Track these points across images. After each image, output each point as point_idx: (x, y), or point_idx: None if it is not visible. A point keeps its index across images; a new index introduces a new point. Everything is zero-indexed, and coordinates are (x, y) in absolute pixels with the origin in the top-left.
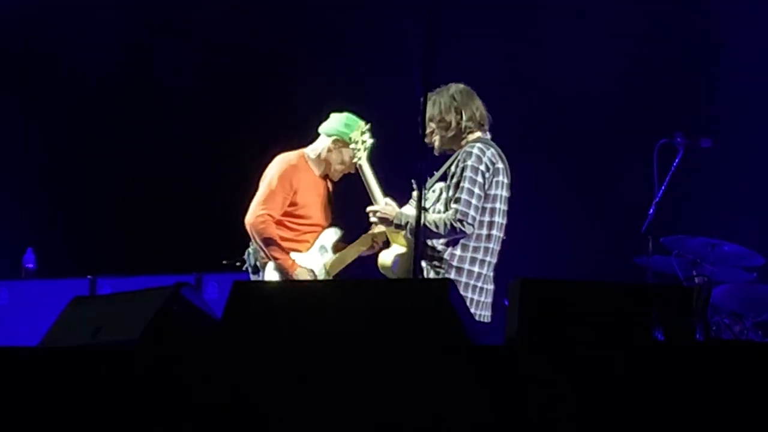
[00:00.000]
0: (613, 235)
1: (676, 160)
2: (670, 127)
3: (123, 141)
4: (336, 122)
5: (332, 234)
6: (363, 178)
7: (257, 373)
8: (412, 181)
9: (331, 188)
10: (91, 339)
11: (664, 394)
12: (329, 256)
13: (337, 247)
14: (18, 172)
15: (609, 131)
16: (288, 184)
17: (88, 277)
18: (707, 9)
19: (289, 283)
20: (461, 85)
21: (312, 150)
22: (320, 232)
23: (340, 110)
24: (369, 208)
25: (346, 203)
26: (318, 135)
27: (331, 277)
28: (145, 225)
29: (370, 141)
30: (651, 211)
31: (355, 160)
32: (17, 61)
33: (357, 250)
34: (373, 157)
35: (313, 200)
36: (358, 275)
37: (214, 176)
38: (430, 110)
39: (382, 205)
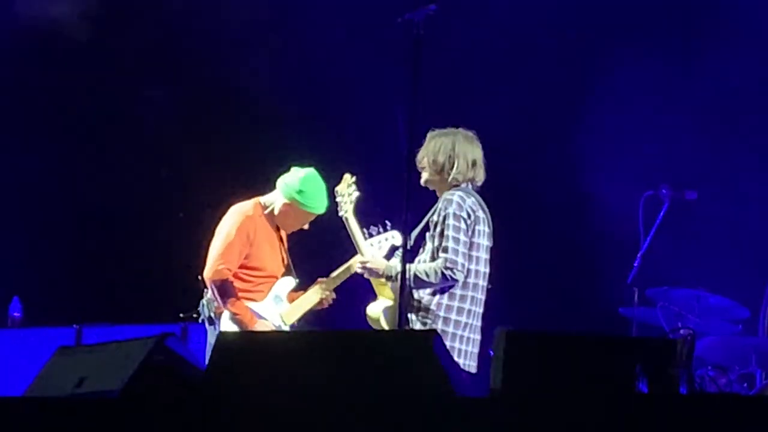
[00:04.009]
0: (599, 286)
1: (662, 212)
2: (655, 179)
3: (109, 189)
4: (292, 184)
5: (287, 283)
6: (349, 230)
7: (242, 425)
8: (386, 221)
9: (285, 237)
10: (76, 389)
11: None
12: (285, 306)
13: (292, 297)
14: (3, 220)
15: (595, 182)
16: (245, 236)
17: (74, 326)
18: (698, 63)
19: (273, 334)
20: (469, 133)
21: (266, 201)
22: (274, 282)
23: (302, 164)
24: (358, 260)
25: (300, 252)
26: (275, 186)
27: (287, 326)
28: (131, 274)
29: (356, 194)
30: (636, 262)
31: (341, 213)
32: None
33: (312, 299)
34: (357, 206)
35: (267, 251)
36: (346, 327)
37: (201, 225)
38: (430, 147)
39: (369, 257)
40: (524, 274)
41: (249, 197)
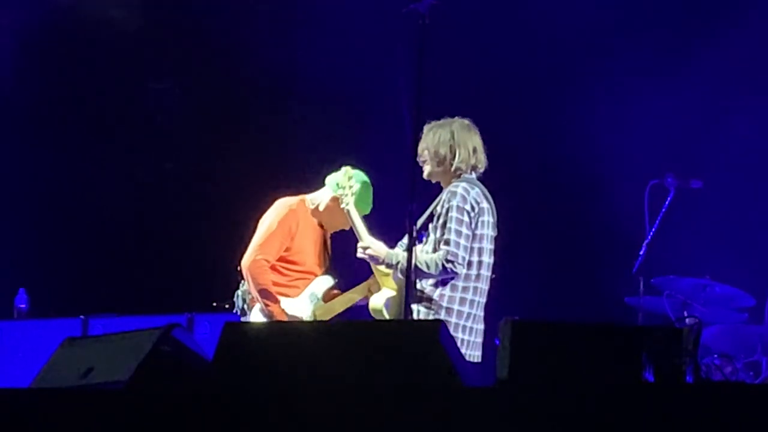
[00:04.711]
0: (605, 275)
1: (667, 201)
2: (661, 168)
3: (116, 182)
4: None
5: (324, 282)
6: (351, 222)
7: (248, 415)
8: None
9: (328, 237)
10: (82, 380)
11: None
12: (319, 304)
13: (328, 296)
14: (10, 213)
15: (600, 172)
16: (287, 229)
17: (80, 317)
18: (700, 51)
19: (280, 324)
20: (466, 122)
21: (313, 199)
22: (312, 279)
23: (353, 165)
24: (360, 245)
25: (343, 253)
26: (324, 184)
27: None
28: (137, 265)
29: (356, 186)
30: (642, 251)
31: (342, 205)
32: (9, 100)
33: (350, 299)
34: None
35: (308, 247)
36: (348, 317)
37: (207, 217)
38: (429, 140)
39: (378, 247)
40: (530, 263)
41: (255, 190)
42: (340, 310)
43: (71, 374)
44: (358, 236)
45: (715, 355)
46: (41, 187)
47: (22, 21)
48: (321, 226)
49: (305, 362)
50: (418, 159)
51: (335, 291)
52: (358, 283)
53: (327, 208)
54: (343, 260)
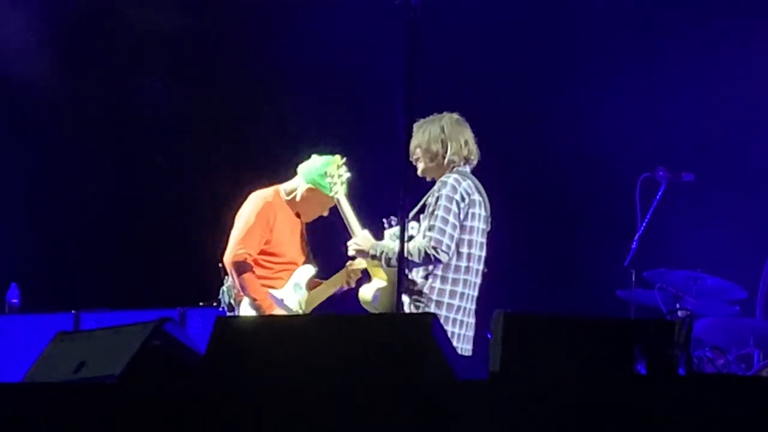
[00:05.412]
0: (597, 268)
1: (659, 194)
2: (652, 161)
3: (108, 177)
4: (315, 168)
5: (306, 271)
6: (341, 211)
7: (240, 409)
8: (391, 218)
9: (304, 225)
10: (74, 375)
11: (647, 428)
12: (303, 294)
13: (311, 284)
14: (1, 208)
15: (592, 165)
16: (265, 221)
17: (72, 312)
18: (689, 44)
19: (272, 318)
20: (455, 116)
21: (287, 189)
22: (294, 270)
23: (322, 152)
24: (349, 243)
25: (321, 240)
26: (296, 173)
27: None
28: (129, 260)
29: (346, 175)
30: (634, 244)
31: (331, 194)
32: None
33: (331, 287)
34: (357, 190)
35: (287, 237)
36: (339, 309)
37: (200, 211)
38: (420, 137)
39: (363, 238)
40: (522, 256)
41: (247, 185)
42: (323, 298)
43: (63, 369)
44: (348, 228)
45: (707, 348)
46: (33, 182)
47: (12, 17)
48: (298, 215)
49: (297, 356)
50: (411, 158)
51: (317, 279)
52: (338, 270)
53: (303, 198)
54: (320, 247)
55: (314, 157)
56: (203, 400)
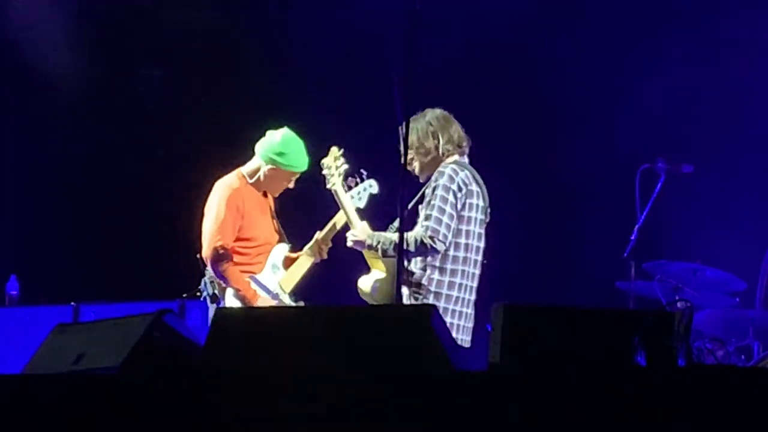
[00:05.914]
0: (596, 260)
1: (658, 186)
2: (652, 153)
3: (107, 168)
4: (272, 147)
5: (281, 250)
6: (339, 203)
7: (239, 400)
8: (362, 170)
9: (272, 203)
10: (74, 366)
11: (646, 419)
12: (282, 274)
13: (287, 262)
14: (1, 199)
15: (592, 156)
16: (235, 208)
17: (72, 303)
18: (690, 37)
19: (271, 310)
20: (438, 110)
21: (249, 171)
22: (269, 251)
23: (277, 126)
24: (348, 233)
25: (289, 214)
26: (254, 153)
27: (287, 294)
28: (128, 251)
29: (344, 167)
30: (633, 236)
31: (328, 186)
32: None
33: (306, 262)
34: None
35: (259, 220)
36: (338, 300)
37: (199, 203)
38: (410, 138)
39: (360, 229)
40: (521, 248)
41: None
42: (301, 274)
43: (63, 361)
44: (347, 219)
45: (707, 339)
46: (31, 174)
47: (9, 8)
48: (265, 194)
49: (296, 347)
50: (408, 161)
51: (293, 256)
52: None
53: (266, 176)
54: (292, 222)
55: (269, 133)
56: (203, 391)
